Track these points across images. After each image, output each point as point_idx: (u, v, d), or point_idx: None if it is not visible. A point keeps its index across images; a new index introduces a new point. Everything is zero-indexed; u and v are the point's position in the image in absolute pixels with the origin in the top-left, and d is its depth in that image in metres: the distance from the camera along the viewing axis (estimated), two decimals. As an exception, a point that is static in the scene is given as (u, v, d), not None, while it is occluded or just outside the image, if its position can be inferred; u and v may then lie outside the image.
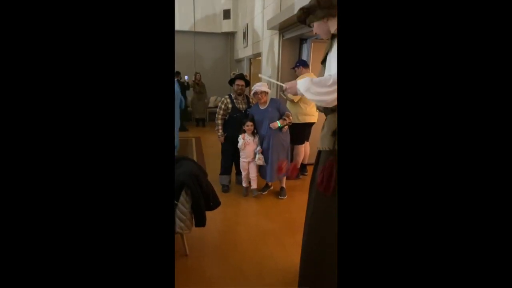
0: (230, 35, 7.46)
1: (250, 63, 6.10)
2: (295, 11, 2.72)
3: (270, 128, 2.65)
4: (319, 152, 1.38)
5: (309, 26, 1.37)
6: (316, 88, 1.20)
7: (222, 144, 2.99)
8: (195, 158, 4.29)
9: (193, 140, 5.37)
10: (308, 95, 1.24)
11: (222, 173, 3.03)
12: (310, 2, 1.29)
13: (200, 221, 1.83)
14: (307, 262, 1.46)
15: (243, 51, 6.30)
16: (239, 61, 7.13)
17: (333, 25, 1.27)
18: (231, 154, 2.98)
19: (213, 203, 1.90)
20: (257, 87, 2.68)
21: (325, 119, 1.36)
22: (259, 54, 5.06)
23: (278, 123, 2.63)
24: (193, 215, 1.82)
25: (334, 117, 1.30)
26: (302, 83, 1.24)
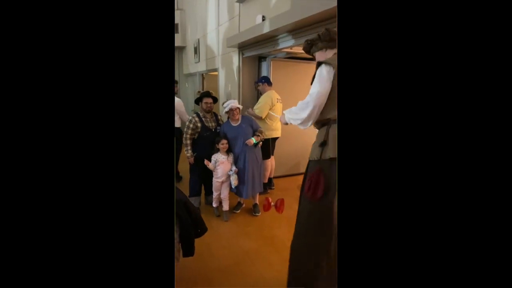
0: (179, 50, 7.28)
1: (203, 78, 6.03)
2: (263, 31, 2.82)
3: (245, 145, 2.64)
4: (309, 162, 1.49)
5: (312, 55, 1.55)
6: (292, 116, 1.46)
7: (191, 165, 2.86)
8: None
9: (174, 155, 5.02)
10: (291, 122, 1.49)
11: (191, 195, 2.88)
12: (313, 36, 1.53)
13: (189, 251, 1.72)
14: (296, 264, 1.53)
15: (195, 66, 6.20)
16: (189, 75, 6.99)
17: (329, 55, 1.46)
18: (200, 175, 2.87)
19: (201, 230, 1.81)
20: (231, 103, 2.65)
21: (317, 133, 1.49)
22: (213, 70, 5.04)
23: (253, 140, 2.64)
24: (181, 245, 1.70)
25: (323, 131, 1.43)
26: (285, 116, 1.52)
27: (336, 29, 1.44)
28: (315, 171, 1.39)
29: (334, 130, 1.36)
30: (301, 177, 1.53)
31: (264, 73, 3.83)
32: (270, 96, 3.15)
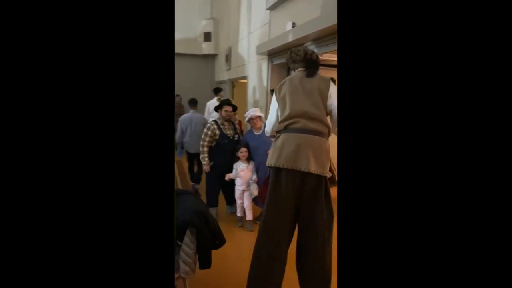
0: (210, 57, 7.46)
1: (233, 86, 6.09)
2: (289, 39, 2.75)
3: (267, 154, 2.57)
4: None
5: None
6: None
7: (208, 174, 2.82)
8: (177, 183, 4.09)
9: (175, 163, 5.14)
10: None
11: (208, 205, 2.82)
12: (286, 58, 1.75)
13: (206, 263, 1.67)
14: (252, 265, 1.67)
15: (225, 74, 6.29)
16: (220, 83, 7.11)
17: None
18: (218, 184, 2.81)
19: (219, 241, 1.75)
20: (251, 112, 2.62)
21: None
22: (243, 78, 5.06)
23: (276, 150, 2.57)
24: (197, 256, 1.66)
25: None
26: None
27: (302, 48, 1.69)
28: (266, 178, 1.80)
29: (274, 143, 1.58)
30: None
31: (293, 80, 3.75)
32: None
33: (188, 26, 7.08)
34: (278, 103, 1.59)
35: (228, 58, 5.95)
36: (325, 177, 1.48)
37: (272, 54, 3.64)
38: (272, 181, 1.52)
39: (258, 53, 3.71)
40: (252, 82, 4.52)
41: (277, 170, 1.49)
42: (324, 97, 1.50)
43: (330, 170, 1.57)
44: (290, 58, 1.66)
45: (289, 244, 1.63)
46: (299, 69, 1.62)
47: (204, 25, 7.04)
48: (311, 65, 1.60)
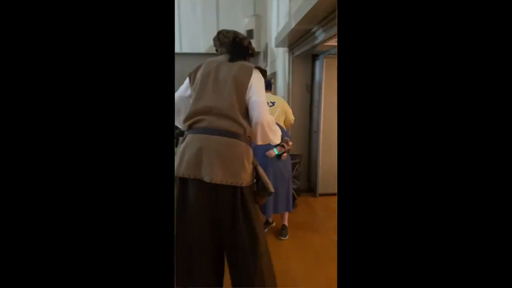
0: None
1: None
2: (292, 25, 2.44)
3: (266, 156, 2.32)
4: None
5: None
6: None
7: None
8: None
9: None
10: None
11: None
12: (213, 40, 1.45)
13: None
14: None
15: (265, 71, 6.11)
16: (263, 80, 6.96)
17: None
18: None
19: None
20: None
21: None
22: (274, 73, 4.81)
23: (275, 151, 2.30)
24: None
25: None
26: None
27: (233, 30, 1.37)
28: None
29: (178, 148, 1.23)
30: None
31: (317, 72, 3.37)
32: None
33: (231, 25, 7.10)
34: (191, 92, 1.31)
35: (265, 54, 5.76)
36: (242, 188, 1.18)
37: (291, 45, 3.33)
38: (177, 196, 1.23)
39: (276, 46, 3.44)
40: (279, 77, 4.25)
41: (182, 181, 1.21)
42: (243, 88, 1.20)
43: (258, 179, 1.26)
44: (218, 40, 1.36)
45: (218, 277, 1.35)
46: (224, 54, 1.33)
47: (247, 23, 6.96)
48: (239, 51, 1.30)
